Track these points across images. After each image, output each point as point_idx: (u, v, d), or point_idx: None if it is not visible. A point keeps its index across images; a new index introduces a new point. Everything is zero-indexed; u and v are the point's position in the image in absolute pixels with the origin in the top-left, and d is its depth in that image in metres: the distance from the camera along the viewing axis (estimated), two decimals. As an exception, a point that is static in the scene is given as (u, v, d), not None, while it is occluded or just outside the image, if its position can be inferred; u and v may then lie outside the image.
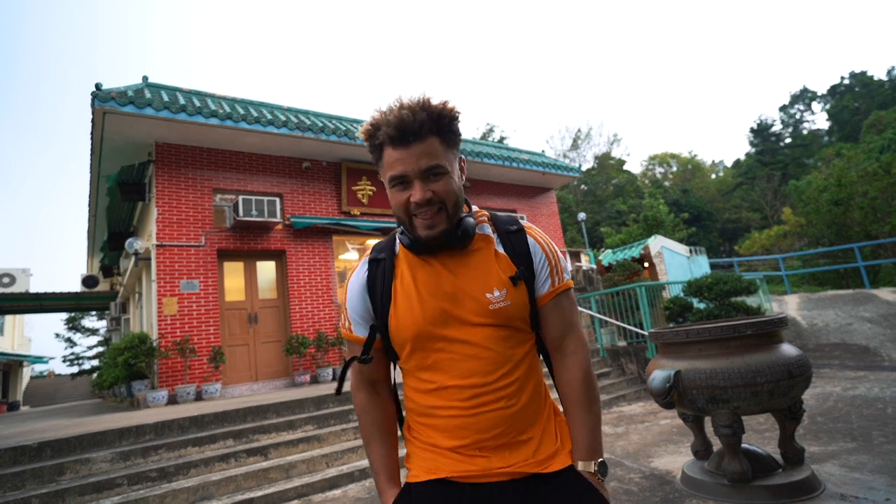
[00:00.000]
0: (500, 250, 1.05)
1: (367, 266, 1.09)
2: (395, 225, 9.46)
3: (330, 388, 6.20)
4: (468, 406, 0.97)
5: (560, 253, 1.08)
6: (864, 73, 32.30)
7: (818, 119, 34.17)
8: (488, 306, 0.99)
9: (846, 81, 32.84)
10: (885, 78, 30.92)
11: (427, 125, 0.92)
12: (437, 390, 1.00)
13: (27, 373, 25.29)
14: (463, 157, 1.05)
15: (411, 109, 0.92)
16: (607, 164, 31.22)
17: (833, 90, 33.05)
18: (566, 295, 1.05)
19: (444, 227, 0.97)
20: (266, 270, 8.34)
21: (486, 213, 1.13)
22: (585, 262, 12.93)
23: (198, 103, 7.41)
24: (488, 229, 1.07)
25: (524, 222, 1.09)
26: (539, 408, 1.03)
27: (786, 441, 2.85)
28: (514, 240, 1.05)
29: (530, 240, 1.05)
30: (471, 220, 1.02)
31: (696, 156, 36.11)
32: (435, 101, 0.94)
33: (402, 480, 1.07)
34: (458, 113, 0.97)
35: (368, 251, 1.13)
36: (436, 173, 0.94)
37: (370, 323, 1.07)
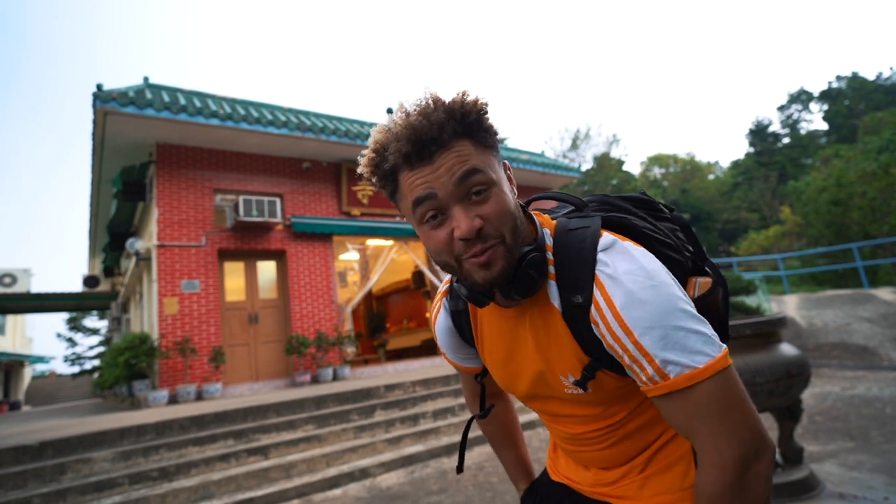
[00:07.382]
0: (565, 325, 0.73)
1: (449, 315, 0.93)
2: (394, 225, 9.29)
3: (330, 387, 6.19)
4: (567, 443, 0.93)
5: (675, 311, 0.64)
6: (855, 76, 32.22)
7: (816, 119, 33.97)
8: (563, 390, 0.78)
9: (835, 85, 32.82)
10: (877, 81, 30.91)
11: (449, 126, 0.67)
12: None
13: (28, 373, 25.31)
14: (507, 162, 0.77)
15: (423, 113, 0.67)
16: (606, 165, 31.20)
17: (826, 94, 33.00)
18: (682, 396, 0.64)
19: (504, 263, 0.68)
20: (266, 270, 8.35)
21: (551, 239, 0.76)
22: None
23: (198, 104, 7.41)
24: (553, 288, 0.74)
25: (599, 273, 0.69)
26: (647, 441, 0.84)
27: (784, 440, 2.86)
28: (579, 317, 0.71)
29: (595, 328, 0.69)
30: (538, 257, 0.71)
31: (694, 156, 36.10)
32: (451, 97, 0.70)
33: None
34: (486, 104, 0.70)
35: (444, 289, 0.95)
36: (478, 190, 0.67)
37: (467, 357, 0.98)
